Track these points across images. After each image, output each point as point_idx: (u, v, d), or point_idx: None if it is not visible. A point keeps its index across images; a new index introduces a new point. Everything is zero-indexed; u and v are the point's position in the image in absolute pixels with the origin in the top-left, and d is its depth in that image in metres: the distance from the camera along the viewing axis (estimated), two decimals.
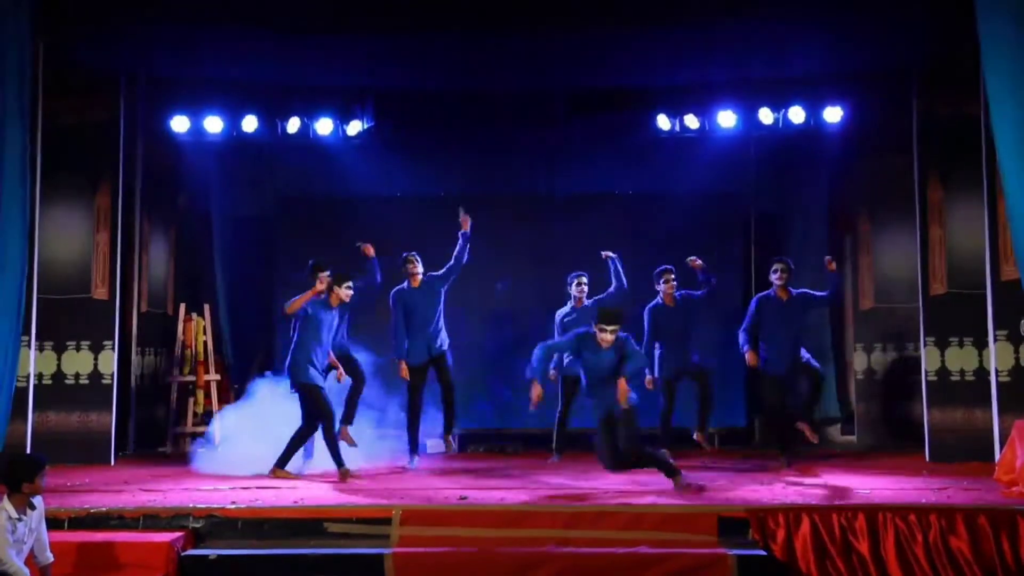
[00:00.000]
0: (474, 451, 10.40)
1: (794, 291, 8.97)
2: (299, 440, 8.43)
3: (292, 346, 8.47)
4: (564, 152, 11.48)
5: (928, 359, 9.57)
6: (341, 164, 11.21)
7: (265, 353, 11.09)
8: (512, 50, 9.77)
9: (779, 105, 10.59)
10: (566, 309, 9.53)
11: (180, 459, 9.42)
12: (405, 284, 9.08)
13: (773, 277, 8.97)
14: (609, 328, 7.51)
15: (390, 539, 6.56)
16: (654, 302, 9.36)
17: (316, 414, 8.36)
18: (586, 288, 9.45)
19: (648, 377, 9.22)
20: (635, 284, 9.63)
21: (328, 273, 8.58)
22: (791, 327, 8.89)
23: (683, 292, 9.32)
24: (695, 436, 9.37)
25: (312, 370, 8.37)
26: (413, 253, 9.10)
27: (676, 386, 9.33)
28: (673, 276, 9.30)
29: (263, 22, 9.49)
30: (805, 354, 8.95)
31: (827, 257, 8.99)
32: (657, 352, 9.28)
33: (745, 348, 8.92)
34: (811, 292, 9.06)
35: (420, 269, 9.05)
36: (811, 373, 8.99)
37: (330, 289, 8.54)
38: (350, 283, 8.61)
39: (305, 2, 9.41)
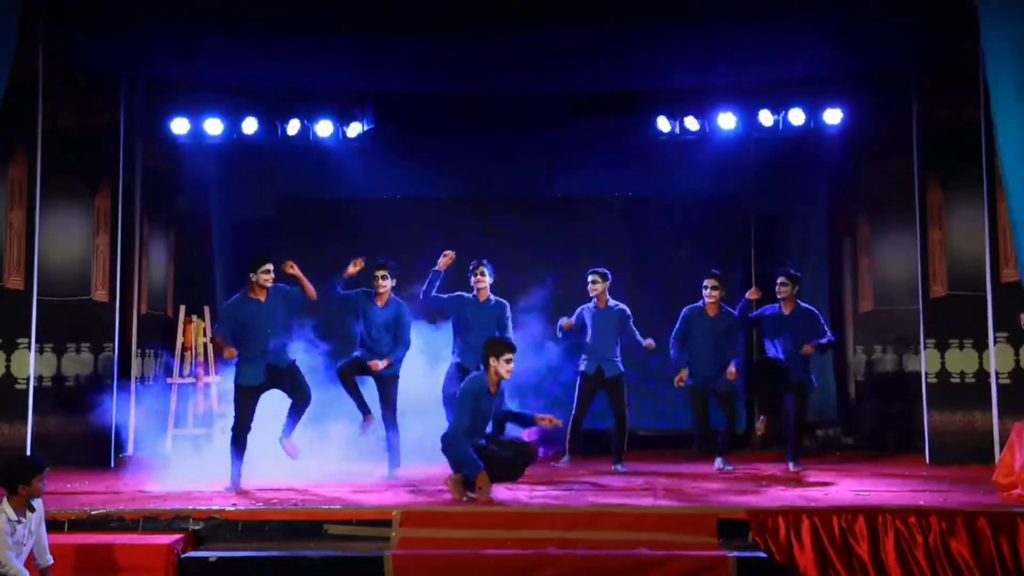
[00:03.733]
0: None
1: (725, 308, 8.93)
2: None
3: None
4: (564, 154, 11.49)
5: (928, 361, 9.57)
6: (341, 166, 11.21)
7: None
8: (513, 53, 9.78)
9: (779, 107, 10.59)
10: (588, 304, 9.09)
11: (180, 461, 9.41)
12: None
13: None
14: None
15: (390, 541, 6.55)
16: (696, 305, 9.06)
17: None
18: (599, 288, 8.96)
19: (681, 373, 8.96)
20: (635, 285, 9.63)
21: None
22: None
23: (727, 308, 9.05)
24: (718, 465, 8.91)
25: (246, 370, 7.99)
26: (386, 267, 8.53)
27: (706, 396, 9.01)
28: (716, 285, 8.89)
29: (263, 24, 9.51)
30: (775, 353, 8.85)
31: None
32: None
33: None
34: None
35: (390, 284, 8.54)
36: (799, 388, 8.84)
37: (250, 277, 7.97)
38: (267, 265, 7.94)
39: (305, 4, 9.42)
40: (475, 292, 8.80)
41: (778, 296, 8.94)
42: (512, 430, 8.04)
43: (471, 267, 8.80)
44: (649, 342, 8.99)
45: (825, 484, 7.95)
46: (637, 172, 11.48)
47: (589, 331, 9.04)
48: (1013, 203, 7.56)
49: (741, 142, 10.97)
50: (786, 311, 8.93)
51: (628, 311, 9.09)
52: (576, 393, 9.15)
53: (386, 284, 8.52)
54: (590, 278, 9.03)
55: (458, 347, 8.81)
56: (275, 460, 8.28)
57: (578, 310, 9.15)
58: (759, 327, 9.21)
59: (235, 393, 8.04)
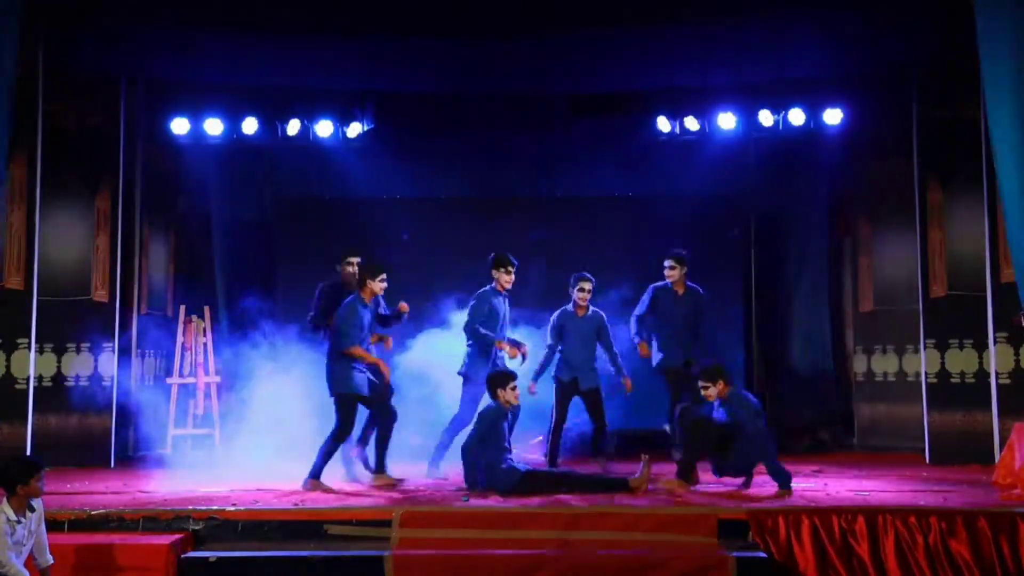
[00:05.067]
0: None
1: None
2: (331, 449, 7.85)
3: (328, 356, 7.89)
4: (564, 155, 11.49)
5: (928, 361, 9.57)
6: (341, 166, 11.22)
7: None
8: (513, 53, 9.80)
9: (779, 107, 10.60)
10: (567, 310, 8.73)
11: (180, 461, 9.42)
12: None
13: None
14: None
15: (390, 541, 6.55)
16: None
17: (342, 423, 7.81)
18: (588, 295, 8.60)
19: None
20: (635, 285, 9.60)
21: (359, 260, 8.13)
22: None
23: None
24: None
25: (356, 377, 7.81)
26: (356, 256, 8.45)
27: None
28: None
29: (263, 25, 9.54)
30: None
31: None
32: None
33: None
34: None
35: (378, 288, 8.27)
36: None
37: (362, 283, 7.91)
38: (384, 275, 7.93)
39: (305, 4, 9.43)
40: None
41: (667, 278, 8.96)
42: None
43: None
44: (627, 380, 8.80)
45: (825, 484, 7.95)
46: (637, 172, 11.48)
47: (566, 339, 8.67)
48: (1007, 203, 7.57)
49: (741, 142, 10.98)
50: (679, 291, 8.97)
51: (604, 317, 8.75)
52: (555, 400, 8.79)
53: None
54: (585, 285, 8.60)
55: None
56: (276, 460, 8.30)
57: (555, 314, 8.78)
58: (652, 305, 8.99)
59: (340, 402, 7.77)
